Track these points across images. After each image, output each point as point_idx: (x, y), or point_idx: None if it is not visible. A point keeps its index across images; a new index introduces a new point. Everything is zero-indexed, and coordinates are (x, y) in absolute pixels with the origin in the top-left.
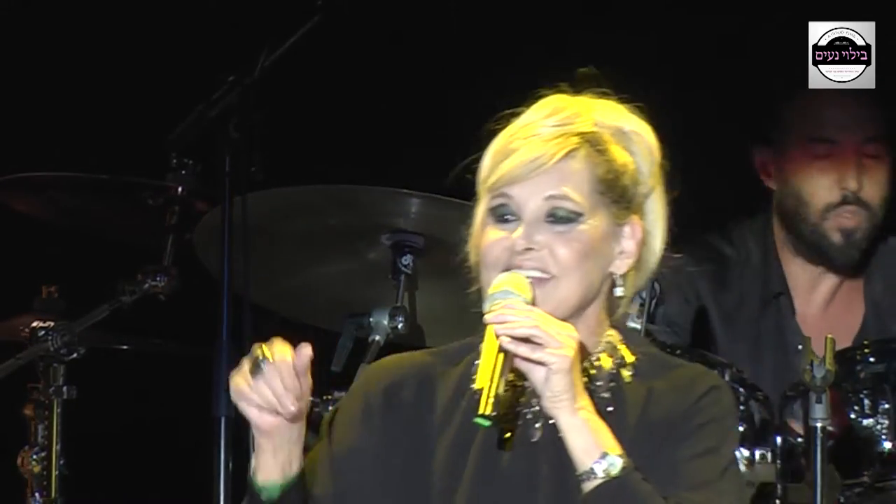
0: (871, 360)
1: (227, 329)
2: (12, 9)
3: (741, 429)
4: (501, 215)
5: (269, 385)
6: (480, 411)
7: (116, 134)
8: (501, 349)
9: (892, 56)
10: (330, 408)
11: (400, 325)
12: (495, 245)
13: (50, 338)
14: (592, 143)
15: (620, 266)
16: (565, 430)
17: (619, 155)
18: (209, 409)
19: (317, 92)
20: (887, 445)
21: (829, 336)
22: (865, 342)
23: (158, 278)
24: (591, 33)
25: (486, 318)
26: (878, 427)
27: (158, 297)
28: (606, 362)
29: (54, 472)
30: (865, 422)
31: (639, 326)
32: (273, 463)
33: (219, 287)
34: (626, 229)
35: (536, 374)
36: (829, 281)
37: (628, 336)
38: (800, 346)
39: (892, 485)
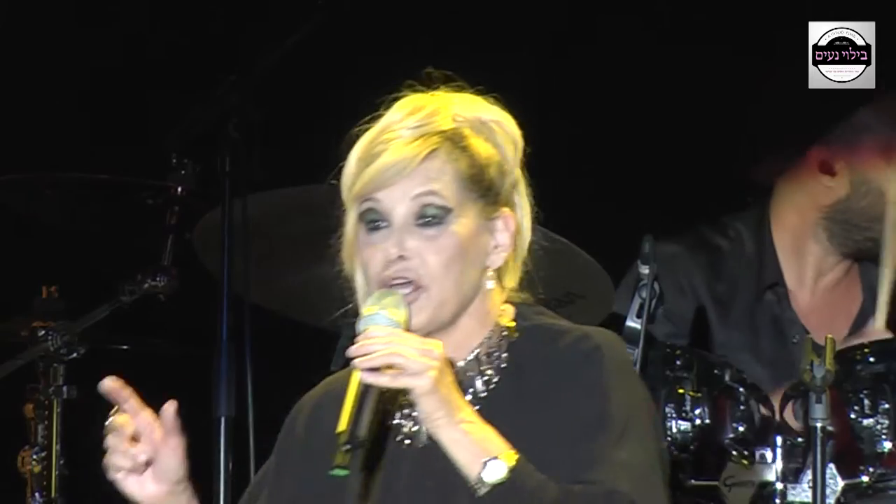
0: (871, 360)
1: (227, 329)
2: (12, 9)
3: (741, 428)
4: (372, 222)
5: (115, 450)
6: (336, 462)
7: (116, 134)
8: (364, 383)
9: (892, 56)
10: None
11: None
12: (372, 257)
13: (50, 338)
14: (453, 140)
15: (496, 260)
16: (446, 445)
17: (483, 148)
18: (209, 409)
19: (317, 92)
20: (887, 445)
21: (830, 336)
22: (865, 342)
23: (158, 278)
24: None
25: (348, 351)
26: (878, 427)
27: (158, 297)
28: (490, 346)
29: (54, 472)
30: (865, 422)
31: (639, 326)
32: None
33: (219, 287)
34: (499, 223)
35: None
36: (838, 270)
37: (522, 311)
38: (795, 339)
39: (892, 485)
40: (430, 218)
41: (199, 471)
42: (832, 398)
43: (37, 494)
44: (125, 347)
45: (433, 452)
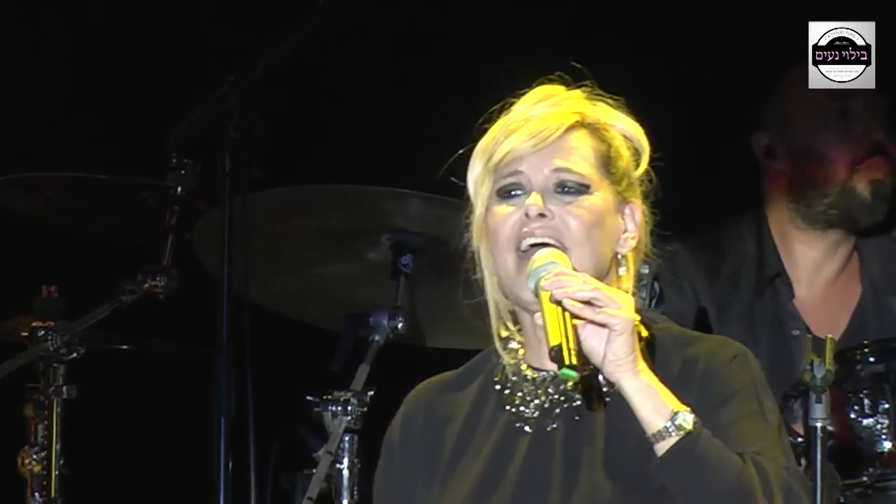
0: (871, 360)
1: (227, 329)
2: (12, 8)
3: None
4: (509, 191)
5: None
6: (566, 362)
7: (116, 134)
8: (564, 310)
9: (892, 56)
10: (330, 408)
11: (400, 325)
12: (506, 220)
13: (50, 338)
14: (589, 123)
15: (624, 245)
16: (630, 393)
17: (615, 138)
18: (209, 409)
19: (317, 92)
20: (887, 445)
21: (829, 336)
22: (865, 342)
23: (158, 278)
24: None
25: (543, 285)
26: (878, 427)
27: (158, 297)
28: None
29: (54, 472)
30: (865, 422)
31: None
32: None
33: (219, 287)
34: (628, 210)
35: (591, 343)
36: (836, 260)
37: (646, 315)
38: (795, 332)
39: (892, 485)
40: (570, 188)
41: (199, 471)
42: (832, 398)
43: (37, 494)
44: (125, 347)
45: (554, 438)
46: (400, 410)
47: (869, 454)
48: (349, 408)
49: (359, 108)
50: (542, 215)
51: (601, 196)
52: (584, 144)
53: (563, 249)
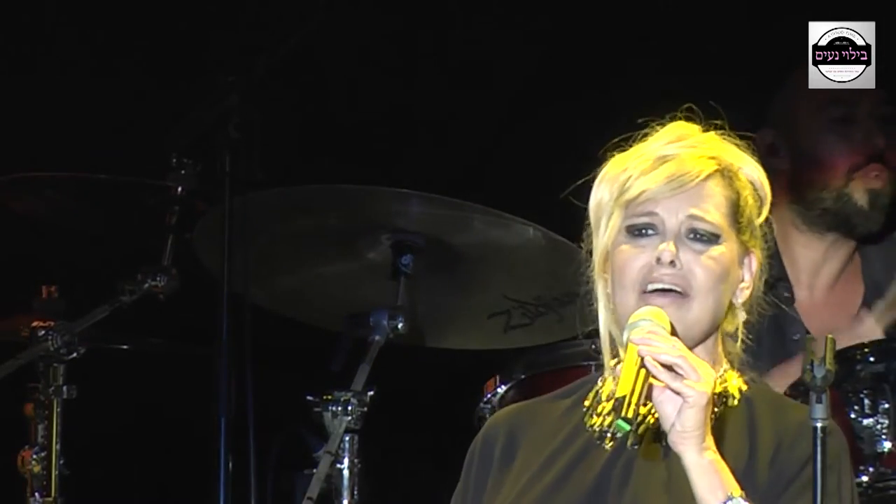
0: (871, 360)
1: (227, 329)
2: (12, 8)
3: None
4: (641, 230)
5: None
6: (623, 414)
7: (116, 134)
8: (643, 367)
9: (892, 56)
10: (330, 408)
11: (400, 325)
12: (634, 261)
13: (50, 338)
14: (723, 170)
15: (740, 296)
16: (690, 468)
17: (743, 186)
18: (209, 409)
19: (317, 92)
20: (887, 445)
21: (830, 336)
22: (865, 342)
23: (158, 278)
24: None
25: (633, 338)
26: (878, 427)
27: (158, 297)
28: (716, 388)
29: (54, 472)
30: (865, 422)
31: None
32: None
33: (219, 287)
34: (747, 260)
35: (666, 408)
36: (835, 262)
37: (741, 369)
38: (796, 336)
39: (892, 485)
40: (703, 236)
41: (199, 471)
42: (832, 398)
43: (37, 494)
44: (125, 347)
45: (634, 453)
46: (486, 423)
47: (869, 454)
48: (349, 408)
49: (359, 108)
50: (672, 262)
51: (728, 247)
52: (718, 193)
53: (686, 299)
